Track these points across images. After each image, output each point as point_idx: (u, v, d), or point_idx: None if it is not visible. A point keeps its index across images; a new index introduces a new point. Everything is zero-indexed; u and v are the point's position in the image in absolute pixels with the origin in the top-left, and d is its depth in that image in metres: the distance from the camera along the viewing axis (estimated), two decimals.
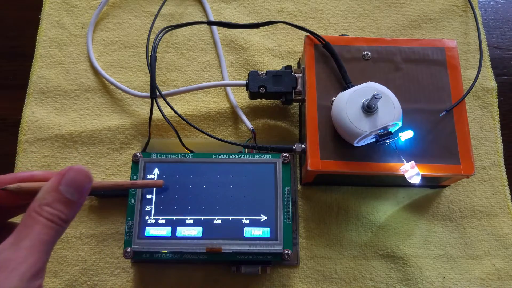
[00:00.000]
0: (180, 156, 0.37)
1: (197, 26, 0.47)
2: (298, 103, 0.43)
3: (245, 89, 0.41)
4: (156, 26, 0.46)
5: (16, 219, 0.27)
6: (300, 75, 0.40)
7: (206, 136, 0.39)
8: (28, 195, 0.25)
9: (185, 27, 0.46)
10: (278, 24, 0.47)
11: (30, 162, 0.41)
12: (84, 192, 0.25)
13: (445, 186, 0.41)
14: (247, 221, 0.35)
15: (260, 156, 0.37)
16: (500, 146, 0.43)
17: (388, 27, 0.47)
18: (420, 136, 0.36)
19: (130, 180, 0.36)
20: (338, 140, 0.36)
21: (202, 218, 0.35)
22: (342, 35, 0.41)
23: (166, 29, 0.40)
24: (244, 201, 0.35)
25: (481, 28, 0.47)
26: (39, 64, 0.45)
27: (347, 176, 0.38)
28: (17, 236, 0.23)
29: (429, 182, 0.40)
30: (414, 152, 0.36)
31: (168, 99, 0.40)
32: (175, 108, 0.39)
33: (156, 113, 0.39)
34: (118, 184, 0.31)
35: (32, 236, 0.22)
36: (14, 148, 0.42)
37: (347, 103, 0.34)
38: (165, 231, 0.35)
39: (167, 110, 0.40)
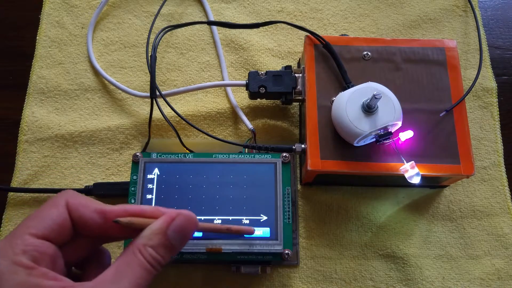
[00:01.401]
0: (180, 156, 0.37)
1: (197, 26, 0.47)
2: (298, 103, 0.43)
3: (245, 89, 0.41)
4: (156, 26, 0.46)
5: None
6: (300, 75, 0.40)
7: (206, 136, 0.39)
8: (135, 230, 0.25)
9: (185, 27, 0.46)
10: (278, 24, 0.47)
11: (30, 162, 0.41)
12: (187, 240, 0.26)
13: (445, 186, 0.41)
14: (247, 221, 0.35)
15: (260, 156, 0.37)
16: (500, 146, 0.43)
17: (388, 27, 0.47)
18: (420, 136, 0.36)
19: (130, 179, 0.36)
20: (338, 140, 0.36)
21: (202, 218, 0.35)
22: (342, 35, 0.41)
23: (166, 29, 0.40)
24: (244, 201, 0.35)
25: (481, 28, 0.47)
26: (39, 64, 0.45)
27: (347, 176, 0.38)
28: (118, 272, 0.23)
29: (429, 182, 0.40)
30: (414, 152, 0.36)
31: (168, 99, 0.40)
32: (175, 108, 0.39)
33: (156, 113, 0.39)
34: (215, 228, 0.31)
35: (131, 277, 0.23)
36: (14, 148, 0.42)
37: (347, 103, 0.34)
38: None
39: (167, 110, 0.40)
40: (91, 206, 0.25)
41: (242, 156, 0.37)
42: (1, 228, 0.39)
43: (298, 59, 0.46)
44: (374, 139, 0.35)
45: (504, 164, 0.42)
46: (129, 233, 0.26)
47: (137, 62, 0.45)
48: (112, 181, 0.41)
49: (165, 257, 0.24)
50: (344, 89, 0.36)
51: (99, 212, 0.25)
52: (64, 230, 0.25)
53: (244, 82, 0.40)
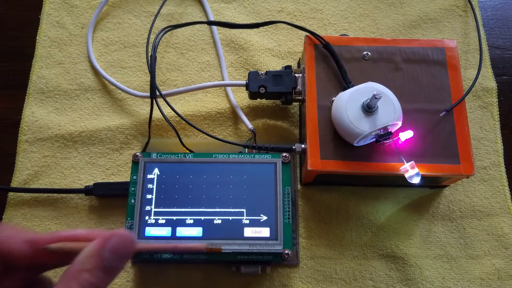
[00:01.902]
0: (180, 156, 0.37)
1: (197, 26, 0.47)
2: (298, 103, 0.43)
3: (245, 89, 0.41)
4: (156, 26, 0.46)
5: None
6: (300, 75, 0.40)
7: (206, 136, 0.39)
8: (69, 255, 0.24)
9: (185, 27, 0.46)
10: (278, 24, 0.47)
11: (30, 162, 0.41)
12: (126, 260, 0.25)
13: (445, 186, 0.41)
14: (247, 221, 0.35)
15: (260, 156, 0.37)
16: (500, 146, 0.43)
17: (388, 27, 0.47)
18: (420, 136, 0.36)
19: (130, 179, 0.36)
20: (338, 140, 0.36)
21: (202, 218, 0.35)
22: (342, 35, 0.41)
23: (166, 29, 0.40)
24: (244, 201, 0.35)
25: (481, 28, 0.47)
26: (39, 64, 0.45)
27: (347, 176, 0.38)
28: None
29: (429, 182, 0.40)
30: (414, 152, 0.36)
31: (168, 99, 0.40)
32: (175, 108, 0.39)
33: (156, 113, 0.39)
34: (160, 248, 0.30)
35: None
36: (14, 148, 0.42)
37: (347, 103, 0.34)
38: (165, 231, 0.35)
39: (167, 110, 0.40)
40: (20, 237, 0.24)
41: (242, 156, 0.37)
42: None
43: (298, 59, 0.46)
44: (374, 139, 0.35)
45: (504, 164, 0.42)
46: (64, 259, 0.25)
47: (137, 62, 0.45)
48: (112, 181, 0.41)
49: (103, 280, 0.23)
50: (344, 89, 0.36)
51: (28, 242, 0.24)
52: None
53: (244, 82, 0.40)
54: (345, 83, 0.37)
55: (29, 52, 0.45)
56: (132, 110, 0.44)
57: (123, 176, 0.41)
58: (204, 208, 0.35)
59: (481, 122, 0.44)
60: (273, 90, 0.39)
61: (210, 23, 0.46)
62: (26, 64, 0.45)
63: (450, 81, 0.38)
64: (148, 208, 0.35)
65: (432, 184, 0.40)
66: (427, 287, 0.38)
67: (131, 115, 0.43)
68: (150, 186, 0.36)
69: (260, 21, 0.40)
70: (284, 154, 0.37)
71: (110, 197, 0.40)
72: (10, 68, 0.45)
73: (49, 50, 0.45)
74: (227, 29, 0.46)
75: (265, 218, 0.35)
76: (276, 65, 0.45)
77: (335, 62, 0.38)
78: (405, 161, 0.34)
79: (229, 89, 0.44)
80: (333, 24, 0.47)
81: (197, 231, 0.35)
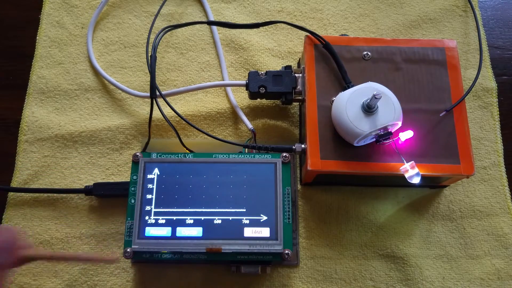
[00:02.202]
0: (180, 156, 0.37)
1: (197, 26, 0.47)
2: (298, 103, 0.43)
3: (245, 89, 0.41)
4: (156, 26, 0.46)
5: None
6: (300, 75, 0.40)
7: (206, 136, 0.39)
8: None
9: (185, 27, 0.46)
10: (278, 24, 0.47)
11: (30, 162, 0.41)
12: (11, 254, 0.24)
13: (445, 186, 0.41)
14: (247, 221, 0.35)
15: (260, 156, 0.37)
16: (500, 146, 0.43)
17: (388, 27, 0.47)
18: (420, 136, 0.36)
19: (130, 179, 0.36)
20: (338, 140, 0.36)
21: (202, 218, 0.35)
22: (342, 35, 0.41)
23: (166, 29, 0.40)
24: (244, 201, 0.35)
25: (481, 28, 0.47)
26: (39, 64, 0.45)
27: (347, 176, 0.38)
28: None
29: (429, 182, 0.40)
30: (414, 152, 0.36)
31: (168, 99, 0.40)
32: (175, 108, 0.39)
33: (156, 113, 0.39)
34: (62, 257, 0.28)
35: None
36: (14, 148, 0.42)
37: (347, 103, 0.34)
38: (165, 231, 0.35)
39: (167, 110, 0.40)
40: None
41: (242, 156, 0.37)
42: None
43: (298, 59, 0.46)
44: (374, 139, 0.35)
45: (504, 164, 0.42)
46: None
47: (137, 62, 0.45)
48: (112, 181, 0.41)
49: None
50: (344, 89, 0.36)
51: None
52: None
53: (244, 82, 0.40)
54: (345, 83, 0.37)
55: (29, 52, 0.45)
56: (132, 110, 0.44)
57: (123, 176, 0.41)
58: (204, 208, 0.35)
59: (481, 122, 0.44)
60: (273, 90, 0.39)
61: (210, 23, 0.46)
62: (26, 64, 0.45)
63: (450, 81, 0.38)
64: (148, 208, 0.35)
65: (432, 184, 0.40)
66: (427, 287, 0.38)
67: (131, 115, 0.43)
68: (150, 186, 0.36)
69: (260, 21, 0.40)
70: (284, 154, 0.37)
71: (110, 197, 0.40)
72: (10, 68, 0.45)
73: (49, 50, 0.45)
74: (227, 29, 0.46)
75: (265, 218, 0.35)
76: (276, 65, 0.45)
77: (335, 62, 0.38)
78: (405, 161, 0.34)
79: (229, 89, 0.44)
80: (333, 24, 0.47)
81: (197, 231, 0.35)
